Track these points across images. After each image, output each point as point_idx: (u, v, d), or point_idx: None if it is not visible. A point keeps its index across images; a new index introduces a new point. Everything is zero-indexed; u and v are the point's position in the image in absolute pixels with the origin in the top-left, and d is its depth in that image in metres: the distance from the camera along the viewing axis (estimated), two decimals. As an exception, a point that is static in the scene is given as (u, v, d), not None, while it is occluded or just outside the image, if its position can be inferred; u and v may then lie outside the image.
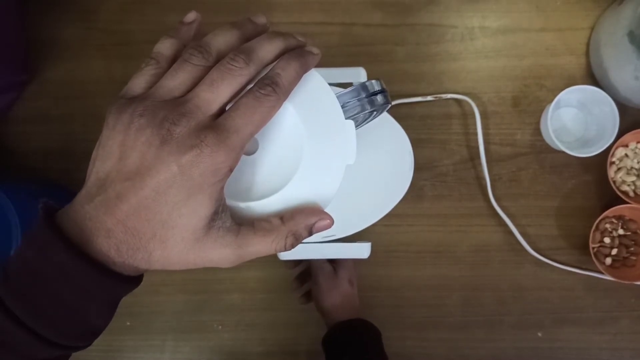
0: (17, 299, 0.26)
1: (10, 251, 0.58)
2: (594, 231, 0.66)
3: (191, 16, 0.32)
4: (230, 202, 0.29)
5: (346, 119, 0.31)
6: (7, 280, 0.26)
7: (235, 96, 0.27)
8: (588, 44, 0.68)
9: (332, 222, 0.30)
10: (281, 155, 0.30)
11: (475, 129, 0.67)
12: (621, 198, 0.65)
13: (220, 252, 0.28)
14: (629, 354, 0.70)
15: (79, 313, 0.27)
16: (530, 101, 0.69)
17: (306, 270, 0.70)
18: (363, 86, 0.35)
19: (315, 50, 0.30)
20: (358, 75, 0.55)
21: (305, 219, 0.30)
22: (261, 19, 0.31)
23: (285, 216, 0.29)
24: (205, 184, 0.26)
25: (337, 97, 0.31)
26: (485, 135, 0.68)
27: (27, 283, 0.26)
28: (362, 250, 0.54)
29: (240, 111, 0.26)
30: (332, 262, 0.67)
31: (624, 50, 0.59)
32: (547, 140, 0.68)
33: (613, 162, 0.66)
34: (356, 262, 0.68)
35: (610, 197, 0.66)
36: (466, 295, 0.71)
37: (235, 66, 0.27)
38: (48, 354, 0.27)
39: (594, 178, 0.69)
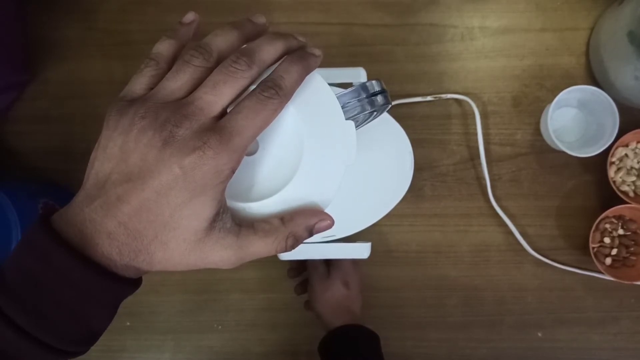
0: (19, 308, 0.26)
1: (10, 251, 0.58)
2: (593, 231, 0.66)
3: (190, 17, 0.32)
4: (230, 202, 0.29)
5: (346, 119, 0.31)
6: (6, 289, 0.26)
7: (237, 98, 0.27)
8: (588, 44, 0.68)
9: (333, 222, 0.30)
10: (281, 156, 0.30)
11: (475, 129, 0.67)
12: (621, 198, 0.65)
13: (221, 254, 0.28)
14: (629, 354, 0.70)
15: (82, 317, 0.27)
16: (530, 101, 0.69)
17: (303, 262, 0.69)
18: (363, 87, 0.35)
19: (317, 52, 0.30)
20: (358, 75, 0.55)
21: (305, 220, 0.30)
22: (261, 19, 0.31)
23: (285, 217, 0.29)
24: (207, 185, 0.26)
25: (337, 98, 0.31)
26: (485, 135, 0.68)
27: (27, 290, 0.26)
28: (362, 251, 0.55)
29: (243, 114, 0.26)
30: (327, 263, 0.67)
31: (624, 50, 0.59)
32: (547, 140, 0.68)
33: (613, 162, 0.66)
34: (356, 262, 0.68)
35: (610, 197, 0.66)
36: (466, 295, 0.71)
37: (238, 68, 0.27)
38: None
39: (594, 178, 0.69)
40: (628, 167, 0.66)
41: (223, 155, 0.26)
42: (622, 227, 0.67)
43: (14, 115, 0.71)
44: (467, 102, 0.68)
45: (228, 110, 0.27)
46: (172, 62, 0.29)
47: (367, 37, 0.70)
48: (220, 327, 0.72)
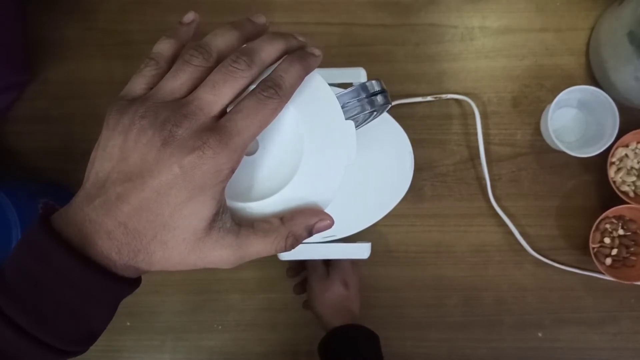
0: (18, 308, 0.26)
1: (10, 251, 0.58)
2: (594, 231, 0.66)
3: (190, 16, 0.32)
4: (230, 202, 0.29)
5: (346, 119, 0.31)
6: (6, 289, 0.26)
7: (237, 98, 0.27)
8: (588, 44, 0.68)
9: (333, 222, 0.30)
10: (281, 156, 0.30)
11: (475, 129, 0.67)
12: (621, 198, 0.65)
13: (221, 253, 0.28)
14: (629, 354, 0.70)
15: (81, 317, 0.27)
16: (530, 101, 0.69)
17: (302, 262, 0.69)
18: (363, 86, 0.35)
19: (317, 51, 0.30)
20: (358, 75, 0.55)
21: (305, 219, 0.30)
22: (261, 19, 0.31)
23: (285, 217, 0.29)
24: (206, 185, 0.26)
25: (337, 98, 0.31)
26: (485, 135, 0.68)
27: (27, 290, 0.26)
28: (362, 251, 0.55)
29: (243, 113, 0.26)
30: (326, 263, 0.67)
31: (624, 50, 0.59)
32: (547, 140, 0.68)
33: (613, 162, 0.66)
34: (355, 262, 0.68)
35: (610, 197, 0.66)
36: (466, 295, 0.71)
37: (237, 68, 0.27)
38: None
39: (594, 178, 0.69)
40: (628, 167, 0.66)
41: (222, 155, 0.26)
42: (622, 227, 0.67)
43: (14, 115, 0.71)
44: (467, 102, 0.68)
45: (228, 110, 0.27)
46: (172, 61, 0.29)
47: (367, 37, 0.70)
48: (220, 327, 0.72)
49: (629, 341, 0.70)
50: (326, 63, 0.32)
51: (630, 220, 0.67)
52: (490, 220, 0.70)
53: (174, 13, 0.70)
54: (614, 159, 0.66)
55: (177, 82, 0.27)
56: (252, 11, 0.34)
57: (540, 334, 0.70)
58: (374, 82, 0.35)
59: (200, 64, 0.27)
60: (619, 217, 0.68)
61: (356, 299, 0.65)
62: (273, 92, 0.27)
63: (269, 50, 0.28)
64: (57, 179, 0.71)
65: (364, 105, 0.34)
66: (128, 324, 0.72)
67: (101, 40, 0.71)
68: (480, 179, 0.69)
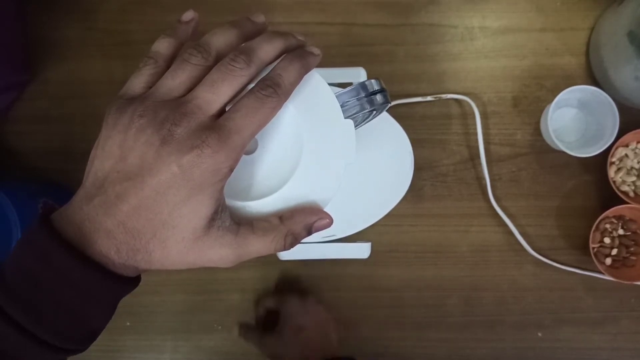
0: (19, 307, 0.26)
1: (10, 251, 0.58)
2: (594, 231, 0.66)
3: (189, 15, 0.32)
4: (229, 201, 0.29)
5: (345, 118, 0.31)
6: (6, 288, 0.26)
7: (236, 96, 0.27)
8: (588, 44, 0.68)
9: (332, 221, 0.30)
10: (280, 155, 0.30)
11: (475, 129, 0.67)
12: (621, 198, 0.65)
13: (220, 252, 0.28)
14: (629, 354, 0.70)
15: (81, 316, 0.27)
16: (530, 101, 0.69)
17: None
18: (362, 85, 0.35)
19: (316, 50, 0.30)
20: (358, 75, 0.55)
21: (304, 218, 0.30)
22: (260, 18, 0.31)
23: (284, 216, 0.29)
24: (205, 184, 0.26)
25: (337, 97, 0.31)
26: (485, 135, 0.68)
27: (27, 290, 0.26)
28: (362, 250, 0.55)
29: (242, 112, 0.26)
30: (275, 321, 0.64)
31: (624, 50, 0.59)
32: (547, 140, 0.68)
33: (613, 162, 0.66)
34: (355, 263, 0.68)
35: (610, 197, 0.66)
36: (466, 295, 0.71)
37: (236, 67, 0.27)
38: (48, 358, 0.27)
39: (594, 178, 0.69)
40: (628, 167, 0.66)
41: (221, 154, 0.26)
42: (622, 227, 0.67)
43: (14, 115, 0.71)
44: (467, 102, 0.68)
45: (227, 109, 0.27)
46: (171, 60, 0.29)
47: (367, 37, 0.70)
48: (220, 327, 0.72)
49: (629, 341, 0.70)
50: (326, 63, 0.32)
51: (630, 220, 0.67)
52: (490, 220, 0.70)
53: (174, 13, 0.70)
54: (614, 159, 0.66)
55: (175, 81, 0.27)
56: (252, 11, 0.35)
57: (540, 334, 0.70)
58: (373, 81, 0.36)
59: (199, 62, 0.27)
60: (619, 217, 0.67)
61: (317, 334, 0.62)
62: (272, 90, 0.27)
63: (267, 49, 0.28)
64: (57, 179, 0.71)
65: (364, 104, 0.34)
66: (128, 324, 0.72)
67: (101, 40, 0.71)
68: (480, 179, 0.69)
